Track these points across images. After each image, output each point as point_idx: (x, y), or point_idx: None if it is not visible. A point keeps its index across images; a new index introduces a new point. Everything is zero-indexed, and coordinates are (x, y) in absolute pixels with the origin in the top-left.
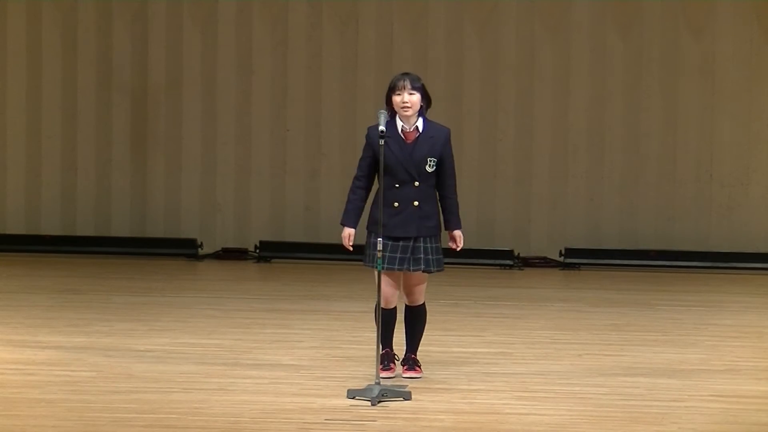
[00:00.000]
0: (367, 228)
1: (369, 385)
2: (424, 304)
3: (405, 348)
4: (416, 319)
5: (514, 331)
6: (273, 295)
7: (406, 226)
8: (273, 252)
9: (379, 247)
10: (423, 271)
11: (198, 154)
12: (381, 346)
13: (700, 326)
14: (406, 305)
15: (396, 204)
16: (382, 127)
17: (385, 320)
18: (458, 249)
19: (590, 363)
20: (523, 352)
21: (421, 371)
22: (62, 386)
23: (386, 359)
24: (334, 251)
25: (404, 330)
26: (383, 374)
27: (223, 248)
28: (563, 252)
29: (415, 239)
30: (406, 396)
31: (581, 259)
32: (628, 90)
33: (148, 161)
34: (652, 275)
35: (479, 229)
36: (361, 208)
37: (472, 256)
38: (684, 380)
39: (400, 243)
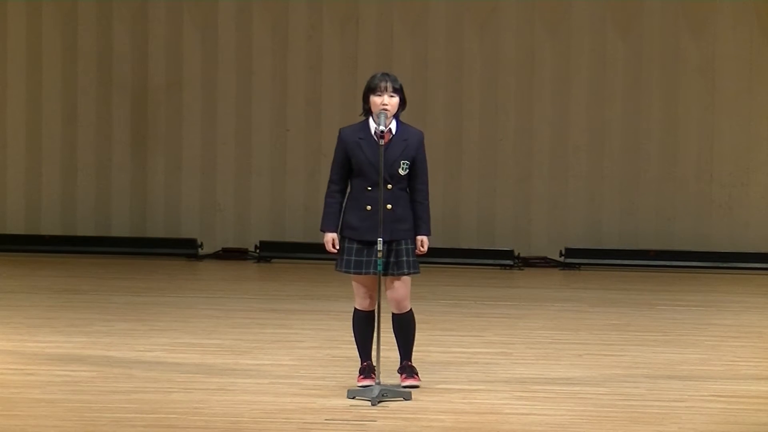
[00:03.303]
0: (341, 233)
1: (369, 385)
2: (411, 310)
3: (399, 357)
4: (405, 328)
5: (514, 331)
6: (273, 295)
7: (378, 229)
8: (273, 252)
9: (379, 247)
10: (394, 275)
11: (198, 154)
12: (360, 357)
13: (700, 326)
14: (393, 314)
15: (368, 207)
16: (382, 127)
17: (362, 326)
18: (422, 253)
19: (590, 363)
20: (523, 352)
21: (419, 378)
22: (62, 386)
23: (367, 370)
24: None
25: (395, 339)
26: (365, 382)
27: (223, 248)
28: (563, 252)
29: (389, 243)
30: (406, 396)
31: (581, 259)
32: (628, 90)
33: (148, 161)
34: (652, 275)
35: (479, 229)
36: (340, 212)
37: (472, 256)
38: (684, 380)
39: (374, 247)
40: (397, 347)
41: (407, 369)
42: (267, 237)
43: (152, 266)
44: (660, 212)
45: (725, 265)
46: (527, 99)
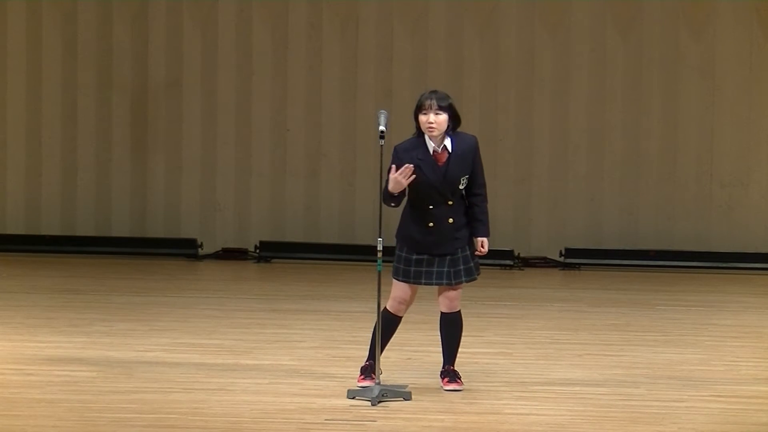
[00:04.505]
0: (398, 240)
1: (369, 385)
2: (460, 311)
3: (442, 360)
4: (452, 326)
5: (514, 331)
6: (273, 295)
7: (442, 244)
8: (273, 252)
9: (379, 247)
10: (465, 282)
11: (198, 154)
12: (368, 355)
13: (700, 326)
14: (442, 313)
15: (431, 224)
16: (382, 127)
17: (385, 326)
18: (483, 254)
19: (590, 363)
20: (523, 352)
21: (462, 383)
22: (62, 386)
23: (368, 371)
24: (334, 251)
25: (440, 340)
26: (364, 383)
27: (223, 248)
28: (563, 252)
29: (452, 253)
30: (406, 396)
31: (581, 259)
32: (628, 90)
33: (148, 161)
34: (652, 275)
35: None
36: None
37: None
38: (684, 380)
39: (436, 258)
40: (441, 350)
41: (450, 373)
42: (267, 237)
43: (152, 266)
44: (660, 212)
45: (725, 265)
46: (527, 99)
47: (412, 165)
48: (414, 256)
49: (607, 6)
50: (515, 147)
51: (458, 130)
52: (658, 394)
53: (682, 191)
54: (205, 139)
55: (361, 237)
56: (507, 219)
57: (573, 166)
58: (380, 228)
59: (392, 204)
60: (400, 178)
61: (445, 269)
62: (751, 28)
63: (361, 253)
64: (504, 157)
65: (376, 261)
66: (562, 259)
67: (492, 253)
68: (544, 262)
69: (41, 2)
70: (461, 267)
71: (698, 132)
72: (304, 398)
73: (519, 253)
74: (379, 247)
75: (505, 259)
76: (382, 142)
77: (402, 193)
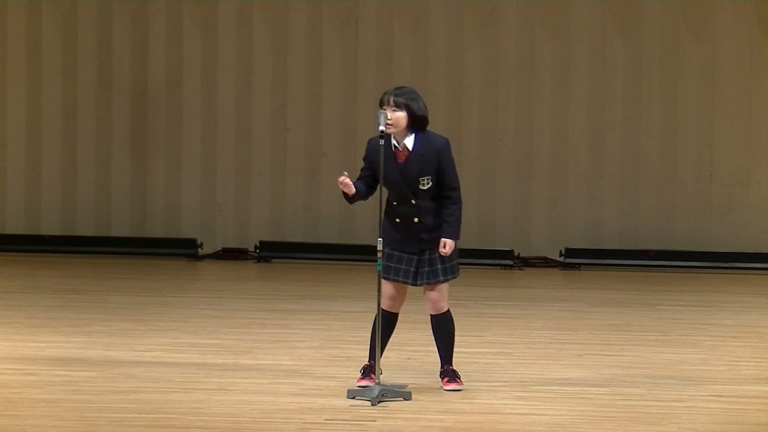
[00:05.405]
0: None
1: (369, 385)
2: (448, 311)
3: (440, 360)
4: (442, 327)
5: (514, 331)
6: (273, 295)
7: (408, 242)
8: (273, 252)
9: (379, 247)
10: (428, 284)
11: (198, 154)
12: (369, 355)
13: (700, 326)
14: (431, 315)
15: (398, 220)
16: (382, 127)
17: (385, 324)
18: (444, 254)
19: (590, 363)
20: (523, 352)
21: (462, 383)
22: (62, 386)
23: (367, 371)
24: (334, 251)
25: (434, 341)
26: (363, 383)
27: (223, 248)
28: (563, 252)
29: (420, 253)
30: (406, 396)
31: (581, 259)
32: (628, 90)
33: (148, 161)
34: (652, 275)
35: (479, 229)
36: (360, 186)
37: (472, 256)
38: (684, 380)
39: (405, 255)
40: (437, 350)
41: (449, 373)
42: (267, 237)
43: (152, 266)
44: (660, 212)
45: (725, 265)
46: (527, 99)
47: (345, 178)
48: (387, 251)
49: (607, 6)
50: (515, 147)
51: (431, 132)
52: (658, 394)
53: (682, 191)
54: (205, 139)
55: (360, 237)
56: (507, 219)
57: (573, 166)
58: (380, 228)
59: (350, 201)
60: (340, 186)
61: (411, 269)
62: (751, 28)
63: (361, 253)
64: (504, 157)
65: (375, 261)
66: (562, 259)
67: (492, 253)
68: (544, 262)
69: (41, 2)
70: (426, 269)
71: (698, 132)
72: (304, 398)
73: (519, 253)
74: (379, 247)
75: (505, 259)
76: (382, 142)
77: (356, 195)
